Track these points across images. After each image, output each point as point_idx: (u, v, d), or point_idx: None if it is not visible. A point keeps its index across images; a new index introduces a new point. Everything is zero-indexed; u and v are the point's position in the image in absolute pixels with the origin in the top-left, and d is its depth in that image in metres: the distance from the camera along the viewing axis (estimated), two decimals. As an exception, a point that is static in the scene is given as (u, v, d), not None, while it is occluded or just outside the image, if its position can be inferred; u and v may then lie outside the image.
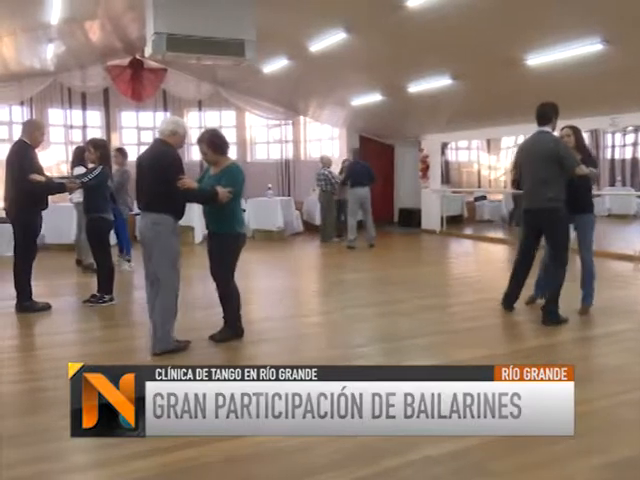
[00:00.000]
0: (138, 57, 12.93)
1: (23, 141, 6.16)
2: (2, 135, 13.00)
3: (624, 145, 17.52)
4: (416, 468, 2.89)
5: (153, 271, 4.71)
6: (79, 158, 8.62)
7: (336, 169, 12.46)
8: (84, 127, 13.56)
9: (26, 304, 6.13)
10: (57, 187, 6.42)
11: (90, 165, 6.77)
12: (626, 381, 3.97)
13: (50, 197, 6.58)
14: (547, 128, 5.49)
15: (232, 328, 5.01)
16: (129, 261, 8.69)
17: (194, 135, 15.79)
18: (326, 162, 12.08)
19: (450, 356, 4.61)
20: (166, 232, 4.62)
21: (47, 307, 6.23)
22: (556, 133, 5.70)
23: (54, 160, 13.04)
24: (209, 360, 4.78)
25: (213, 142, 4.83)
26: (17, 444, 3.19)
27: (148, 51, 7.76)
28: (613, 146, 17.57)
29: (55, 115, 13.31)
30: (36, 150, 6.29)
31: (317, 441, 3.19)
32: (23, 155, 6.07)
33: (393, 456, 2.98)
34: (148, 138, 13.98)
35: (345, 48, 9.36)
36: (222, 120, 14.95)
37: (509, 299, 5.89)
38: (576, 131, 5.72)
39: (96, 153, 6.48)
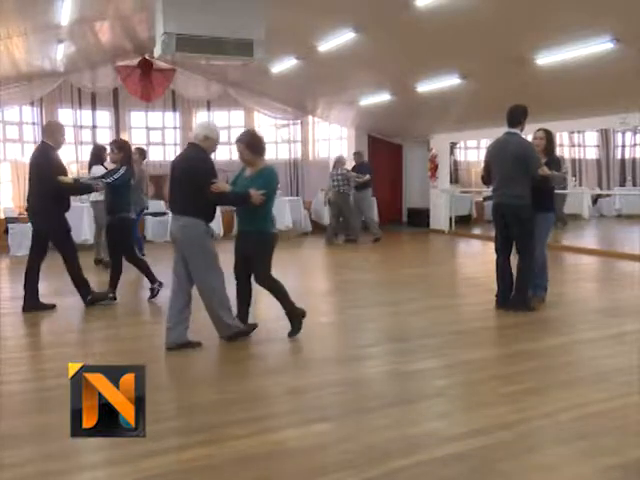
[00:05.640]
0: (147, 57, 12.97)
1: (46, 143, 6.26)
2: (13, 135, 13.08)
3: (634, 145, 17.40)
4: (424, 469, 2.88)
5: (186, 273, 4.81)
6: (97, 157, 8.75)
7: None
8: (94, 127, 13.61)
9: (36, 304, 6.19)
10: (85, 188, 6.70)
11: (112, 165, 6.90)
12: (636, 382, 3.94)
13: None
14: (516, 130, 5.86)
15: (296, 318, 5.14)
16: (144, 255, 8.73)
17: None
18: (343, 162, 12.03)
19: (458, 357, 4.60)
20: (198, 235, 4.75)
21: (52, 306, 6.30)
22: (529, 135, 6.13)
23: (64, 160, 13.07)
24: (219, 359, 4.80)
25: (251, 143, 4.98)
26: (25, 443, 3.21)
27: (157, 51, 7.78)
28: (623, 146, 17.46)
29: (65, 115, 13.36)
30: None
31: (327, 442, 3.20)
32: (48, 157, 6.18)
33: (401, 457, 2.98)
34: (157, 138, 14.04)
35: (354, 48, 9.35)
36: (231, 120, 14.96)
37: (500, 299, 6.04)
38: (548, 135, 6.15)
39: (120, 154, 6.63)
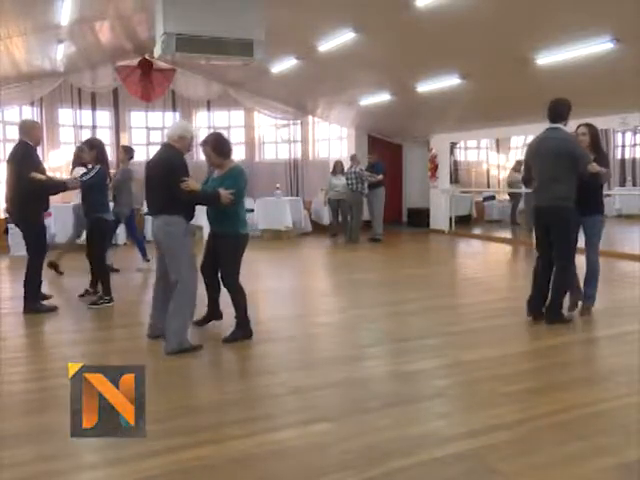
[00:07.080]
0: (147, 57, 12.97)
1: (24, 142, 6.17)
2: (13, 135, 13.07)
3: (634, 145, 17.40)
4: (424, 469, 2.88)
5: (165, 272, 4.85)
6: (79, 158, 8.67)
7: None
8: (94, 127, 13.60)
9: (36, 306, 6.15)
10: (57, 186, 6.46)
11: (88, 165, 6.75)
12: (637, 382, 3.94)
13: (60, 196, 6.52)
14: (558, 125, 5.41)
15: (242, 329, 5.06)
16: (148, 260, 8.67)
17: (203, 136, 15.87)
18: (357, 160, 12.25)
19: (458, 357, 4.60)
20: (178, 233, 4.74)
21: (54, 309, 6.25)
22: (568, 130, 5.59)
23: (64, 160, 13.10)
24: (219, 359, 4.80)
25: (216, 145, 4.99)
26: (25, 443, 3.21)
27: (157, 51, 7.77)
28: (623, 145, 17.45)
29: (65, 115, 13.36)
30: (38, 149, 6.34)
31: (327, 441, 3.19)
32: (25, 155, 6.11)
33: (401, 457, 2.98)
34: (157, 138, 14.02)
35: (354, 48, 9.34)
36: (231, 120, 14.96)
37: (533, 305, 5.59)
38: (592, 129, 5.63)
39: (92, 153, 6.51)
